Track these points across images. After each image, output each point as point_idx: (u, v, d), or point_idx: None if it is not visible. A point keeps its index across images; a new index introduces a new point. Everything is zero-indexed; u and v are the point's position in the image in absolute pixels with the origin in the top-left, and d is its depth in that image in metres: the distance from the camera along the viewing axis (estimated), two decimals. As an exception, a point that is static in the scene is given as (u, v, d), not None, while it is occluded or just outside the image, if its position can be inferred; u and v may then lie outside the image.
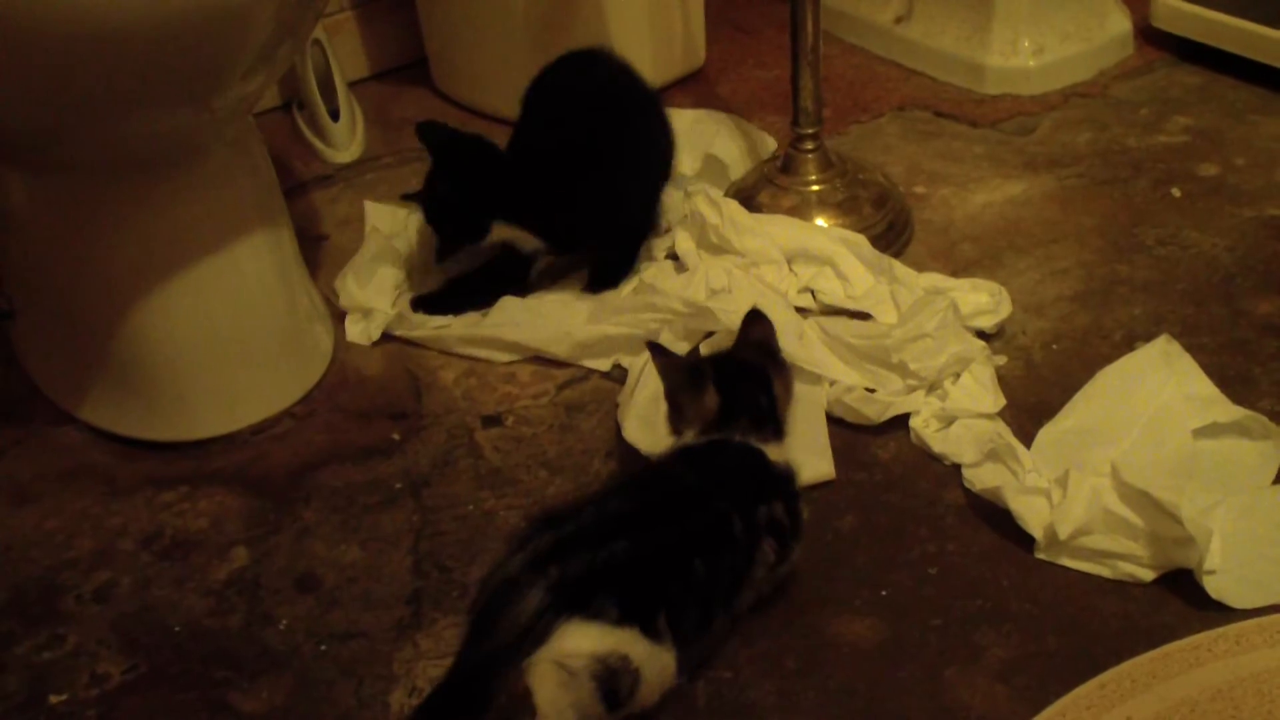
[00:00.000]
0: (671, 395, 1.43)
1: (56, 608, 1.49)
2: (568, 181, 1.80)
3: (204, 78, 1.49)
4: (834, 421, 1.64)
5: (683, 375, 1.43)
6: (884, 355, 1.65)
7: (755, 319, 1.50)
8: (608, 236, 1.88)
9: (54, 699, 1.39)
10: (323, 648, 1.42)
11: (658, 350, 1.46)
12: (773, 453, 1.39)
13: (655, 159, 1.91)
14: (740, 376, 1.43)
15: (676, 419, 1.43)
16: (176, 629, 1.46)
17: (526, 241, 1.82)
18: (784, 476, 1.40)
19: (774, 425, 1.42)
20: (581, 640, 1.20)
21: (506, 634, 1.20)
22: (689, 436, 1.41)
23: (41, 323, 1.77)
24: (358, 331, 1.85)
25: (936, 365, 1.63)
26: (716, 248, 1.86)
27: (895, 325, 1.70)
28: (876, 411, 1.62)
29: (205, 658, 1.42)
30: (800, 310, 1.78)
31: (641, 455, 1.56)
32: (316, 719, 1.35)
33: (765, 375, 1.44)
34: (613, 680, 1.21)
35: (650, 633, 1.24)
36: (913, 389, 1.64)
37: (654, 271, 1.87)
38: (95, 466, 1.68)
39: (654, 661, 1.24)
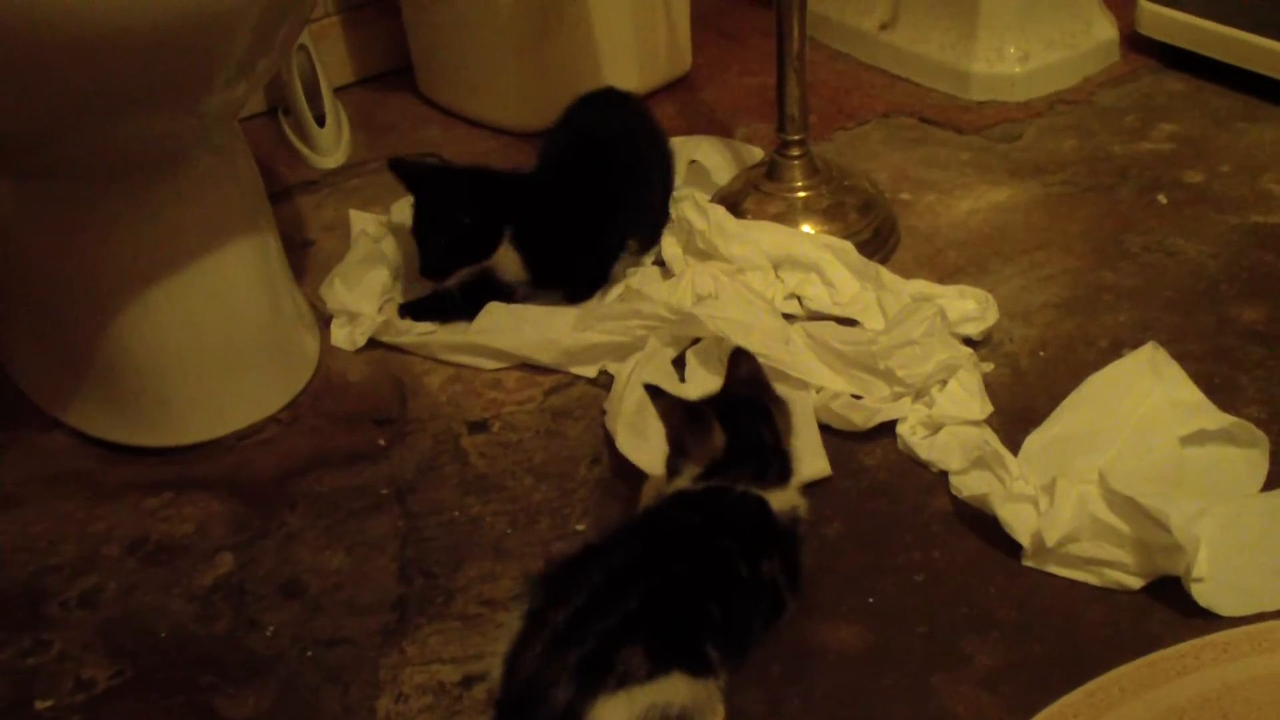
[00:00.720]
0: (674, 436, 1.42)
1: (42, 613, 1.48)
2: (581, 221, 1.84)
3: (190, 81, 1.48)
4: (821, 428, 1.64)
5: (684, 416, 1.40)
6: (870, 361, 1.65)
7: (741, 357, 1.49)
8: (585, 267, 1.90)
9: (39, 704, 1.38)
10: (308, 654, 1.42)
11: (655, 393, 1.43)
12: (777, 499, 1.38)
13: (660, 206, 1.98)
14: (743, 414, 1.42)
15: (677, 460, 1.41)
16: (162, 634, 1.45)
17: (511, 271, 1.82)
18: (786, 530, 1.38)
19: (779, 465, 1.41)
20: (615, 717, 1.20)
21: None
22: (687, 476, 1.40)
23: (26, 328, 1.76)
24: (343, 336, 1.85)
25: (923, 373, 1.63)
26: (703, 254, 1.86)
27: (881, 331, 1.70)
28: (863, 418, 1.62)
29: (191, 663, 1.42)
30: (787, 316, 1.78)
31: (631, 464, 1.56)
32: (302, 726, 1.34)
33: (767, 411, 1.43)
34: None
35: (696, 668, 1.24)
36: (899, 396, 1.64)
37: (640, 277, 1.87)
38: (80, 471, 1.67)
39: (703, 694, 1.24)
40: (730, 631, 1.30)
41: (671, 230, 1.91)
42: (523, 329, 1.78)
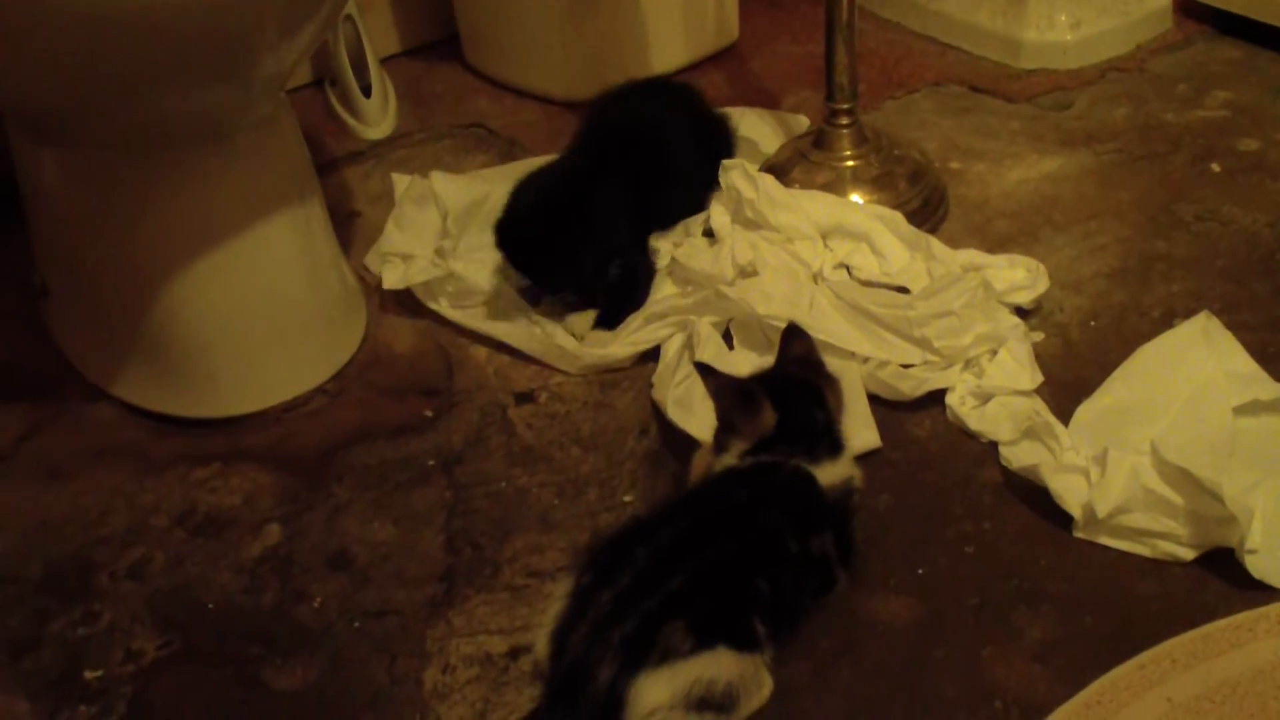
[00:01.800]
0: (724, 415, 1.41)
1: (91, 584, 1.49)
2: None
3: (232, 52, 1.48)
4: (869, 398, 1.63)
5: (735, 395, 1.40)
6: (905, 327, 1.64)
7: (794, 334, 1.48)
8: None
9: (89, 674, 1.39)
10: (356, 625, 1.42)
11: (706, 371, 1.44)
12: (826, 474, 1.37)
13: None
14: (793, 392, 1.41)
15: (726, 436, 1.40)
16: (210, 606, 1.46)
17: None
18: (836, 503, 1.38)
19: (829, 440, 1.39)
20: (656, 692, 1.20)
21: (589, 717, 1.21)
22: (734, 453, 1.39)
23: (75, 300, 1.77)
24: (395, 277, 1.84)
25: (960, 345, 1.62)
26: (751, 223, 1.84)
27: (918, 296, 1.69)
28: (911, 387, 1.61)
29: (239, 635, 1.42)
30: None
31: (681, 435, 1.55)
32: (349, 696, 1.34)
33: (818, 389, 1.42)
34: (710, 705, 1.22)
35: (742, 642, 1.24)
36: (934, 366, 1.63)
37: (686, 249, 1.85)
38: (128, 443, 1.68)
39: (749, 669, 1.25)
40: (779, 607, 1.29)
41: (720, 199, 1.90)
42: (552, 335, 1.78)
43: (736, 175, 1.87)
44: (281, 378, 1.72)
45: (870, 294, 1.72)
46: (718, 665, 1.22)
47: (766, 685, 1.27)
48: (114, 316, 1.70)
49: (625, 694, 1.20)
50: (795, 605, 1.33)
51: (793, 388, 1.41)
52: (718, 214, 1.88)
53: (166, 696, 1.36)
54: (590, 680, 1.20)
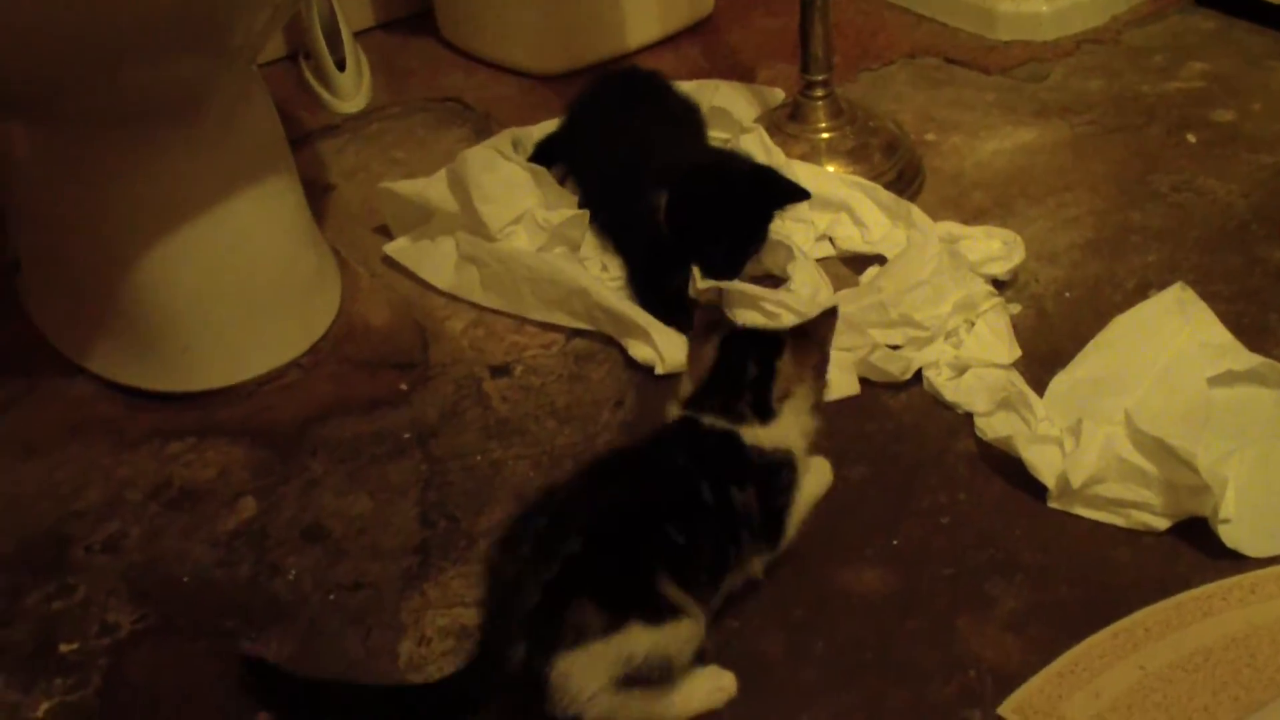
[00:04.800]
0: (691, 343, 1.39)
1: (66, 558, 1.49)
2: None
3: (202, 23, 1.47)
4: (859, 380, 1.63)
5: (705, 327, 1.38)
6: (880, 314, 1.63)
7: (830, 311, 1.40)
8: None
9: (64, 648, 1.38)
10: (331, 598, 1.42)
11: (710, 311, 1.42)
12: (755, 435, 1.31)
13: None
14: (743, 342, 1.36)
15: (685, 376, 1.37)
16: (185, 579, 1.45)
17: None
18: (767, 463, 1.31)
19: (759, 404, 1.32)
20: (585, 677, 1.17)
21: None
22: (676, 405, 1.35)
23: (48, 275, 1.76)
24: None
25: (941, 313, 1.62)
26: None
27: (883, 274, 1.68)
28: (901, 369, 1.61)
29: (214, 608, 1.42)
30: (820, 260, 1.78)
31: (655, 407, 1.55)
32: (325, 669, 1.34)
33: (776, 347, 1.35)
34: (639, 681, 1.19)
35: (654, 614, 1.19)
36: (921, 341, 1.62)
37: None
38: (103, 418, 1.67)
39: (672, 635, 1.20)
40: (696, 557, 1.24)
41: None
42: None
43: (750, 140, 1.87)
44: (256, 352, 1.71)
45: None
46: (634, 641, 1.17)
47: (697, 636, 1.24)
48: (87, 291, 1.69)
49: (546, 674, 1.16)
50: (717, 558, 1.27)
51: (746, 338, 1.38)
52: None
53: (142, 670, 1.36)
54: (503, 661, 1.18)
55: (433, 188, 1.86)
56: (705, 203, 1.67)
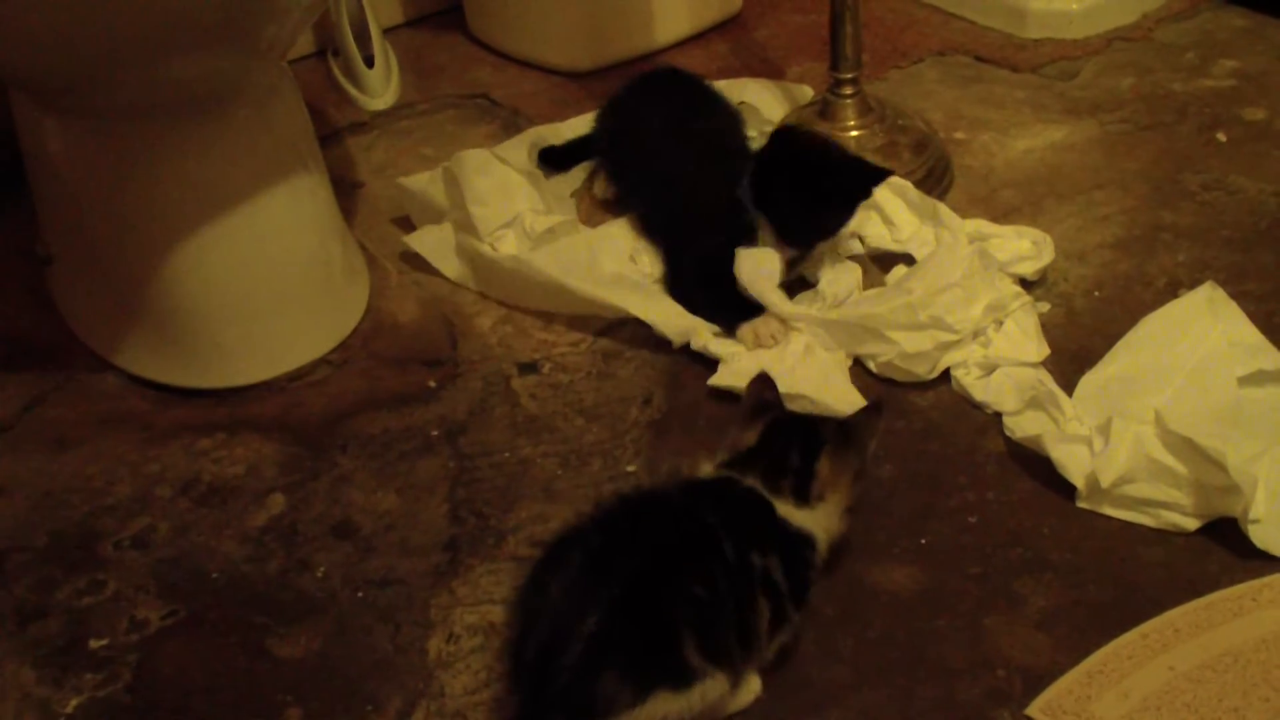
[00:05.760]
0: (738, 422, 1.36)
1: (96, 553, 1.50)
2: None
3: (234, 19, 1.48)
4: (884, 381, 1.63)
5: (750, 409, 1.36)
6: (910, 315, 1.62)
7: (874, 409, 1.39)
8: None
9: (94, 643, 1.39)
10: (360, 594, 1.42)
11: (765, 380, 1.39)
12: (788, 511, 1.29)
13: None
14: (786, 431, 1.34)
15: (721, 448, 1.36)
16: (214, 575, 1.46)
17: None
18: (793, 537, 1.29)
19: (797, 488, 1.30)
20: None
21: None
22: (712, 465, 1.34)
23: (79, 269, 1.77)
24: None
25: (972, 316, 1.61)
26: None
27: (912, 276, 1.68)
28: (927, 369, 1.60)
29: (243, 604, 1.42)
30: (851, 258, 1.77)
31: (683, 405, 1.55)
32: (354, 665, 1.35)
33: (815, 441, 1.31)
34: None
35: (679, 680, 1.17)
36: (946, 344, 1.62)
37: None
38: (133, 413, 1.68)
39: (700, 697, 1.18)
40: (721, 617, 1.20)
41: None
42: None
43: None
44: (285, 348, 1.72)
45: (862, 304, 1.69)
46: (663, 707, 1.16)
47: (752, 689, 1.25)
48: (118, 286, 1.70)
49: None
50: (744, 619, 1.23)
51: (790, 428, 1.35)
52: None
53: (171, 665, 1.37)
54: None
55: (435, 184, 1.88)
56: (802, 164, 1.68)
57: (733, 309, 1.68)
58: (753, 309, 1.67)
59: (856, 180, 1.70)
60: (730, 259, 1.68)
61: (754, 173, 1.68)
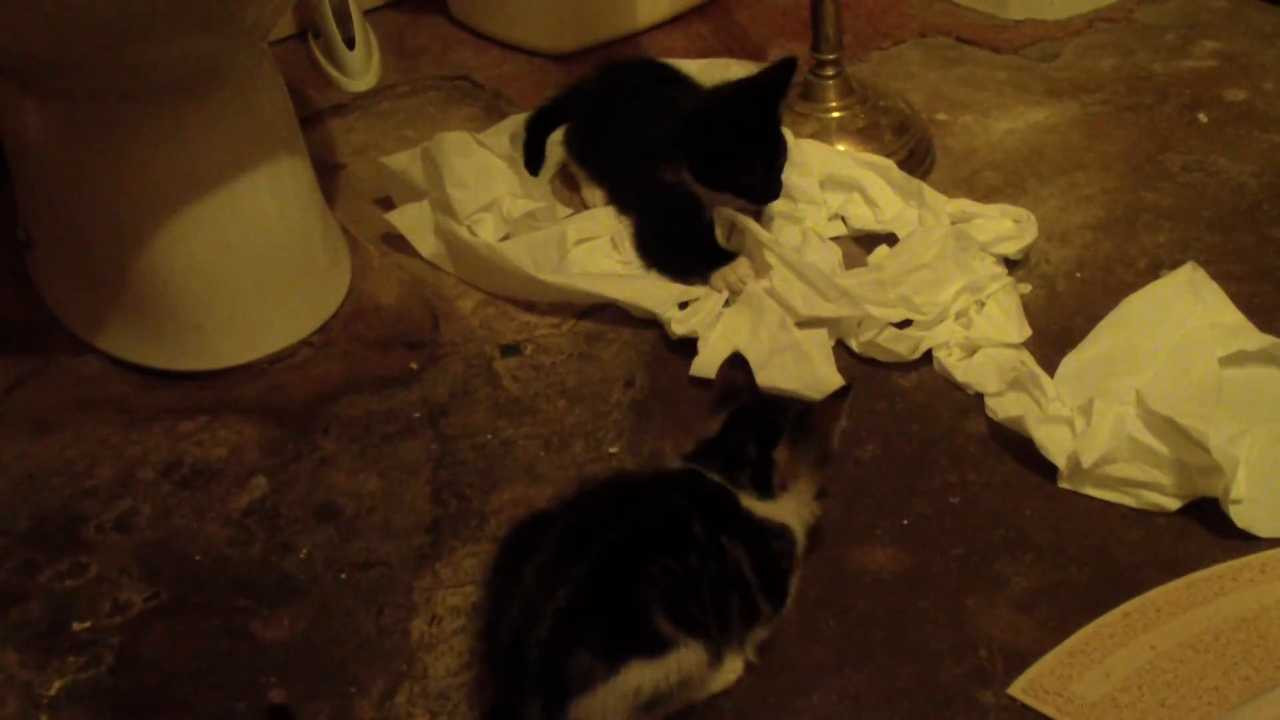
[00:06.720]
0: (709, 407, 1.37)
1: (78, 536, 1.49)
2: None
3: (220, 2, 1.48)
4: (865, 360, 1.63)
5: (719, 394, 1.36)
6: (879, 291, 1.62)
7: (841, 394, 1.35)
8: None
9: (77, 626, 1.39)
10: (343, 576, 1.42)
11: (737, 360, 1.39)
12: (749, 502, 1.29)
13: None
14: (750, 424, 1.33)
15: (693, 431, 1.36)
16: (197, 558, 1.46)
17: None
18: (759, 529, 1.29)
19: (757, 480, 1.29)
20: (596, 716, 1.16)
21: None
22: (680, 454, 1.34)
23: (59, 252, 1.76)
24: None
25: (941, 300, 1.62)
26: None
27: (884, 255, 1.69)
28: (909, 349, 1.61)
29: (226, 586, 1.42)
30: (832, 239, 1.77)
31: (665, 386, 1.55)
32: (337, 647, 1.35)
33: (776, 431, 1.30)
34: (654, 705, 1.18)
35: (652, 649, 1.18)
36: (927, 325, 1.62)
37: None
38: (114, 396, 1.68)
39: (675, 665, 1.18)
40: (691, 588, 1.21)
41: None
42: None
43: None
44: (267, 330, 1.71)
45: (834, 277, 1.67)
46: (638, 677, 1.17)
47: (706, 663, 1.23)
48: (98, 269, 1.69)
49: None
50: (717, 590, 1.24)
51: (749, 418, 1.34)
52: None
53: (154, 647, 1.36)
54: (523, 717, 1.18)
55: (415, 163, 1.87)
56: (716, 123, 1.71)
57: (702, 260, 1.72)
58: (723, 257, 1.71)
59: (766, 99, 1.72)
60: (684, 219, 1.73)
61: (687, 157, 1.71)
